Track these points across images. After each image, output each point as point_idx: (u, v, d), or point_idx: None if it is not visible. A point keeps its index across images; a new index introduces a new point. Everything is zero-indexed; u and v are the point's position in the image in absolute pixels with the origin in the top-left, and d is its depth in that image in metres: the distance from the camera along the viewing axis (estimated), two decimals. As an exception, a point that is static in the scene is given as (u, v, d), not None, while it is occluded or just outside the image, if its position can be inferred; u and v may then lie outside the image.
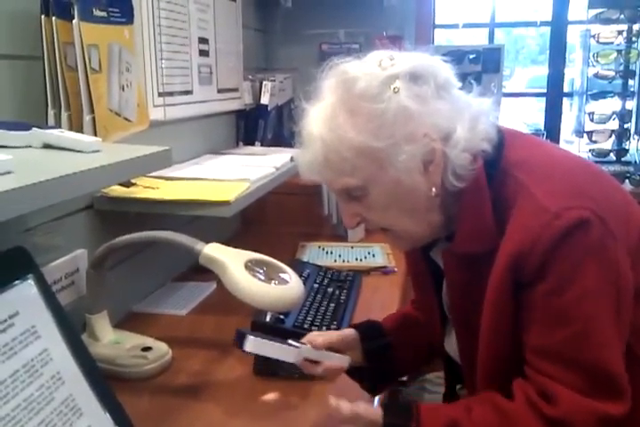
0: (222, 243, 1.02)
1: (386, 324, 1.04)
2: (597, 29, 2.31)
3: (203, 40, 1.71)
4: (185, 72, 1.60)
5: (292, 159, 1.74)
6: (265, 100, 2.10)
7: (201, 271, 1.02)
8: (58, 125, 1.03)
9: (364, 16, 2.41)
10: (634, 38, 2.30)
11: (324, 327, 1.19)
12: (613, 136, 2.37)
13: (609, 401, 0.70)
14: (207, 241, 1.01)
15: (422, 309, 1.02)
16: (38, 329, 0.72)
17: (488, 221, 0.77)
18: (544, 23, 2.52)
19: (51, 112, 1.04)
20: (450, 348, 0.94)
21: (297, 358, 0.92)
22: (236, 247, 1.02)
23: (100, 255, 1.05)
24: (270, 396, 1.00)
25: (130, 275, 1.35)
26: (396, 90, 0.75)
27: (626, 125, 2.36)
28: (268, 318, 1.16)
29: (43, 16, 1.00)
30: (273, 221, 2.17)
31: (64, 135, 0.85)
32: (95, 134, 1.05)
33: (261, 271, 1.00)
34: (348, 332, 1.00)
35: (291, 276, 1.00)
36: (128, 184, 1.22)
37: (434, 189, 0.78)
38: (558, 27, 2.48)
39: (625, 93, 2.34)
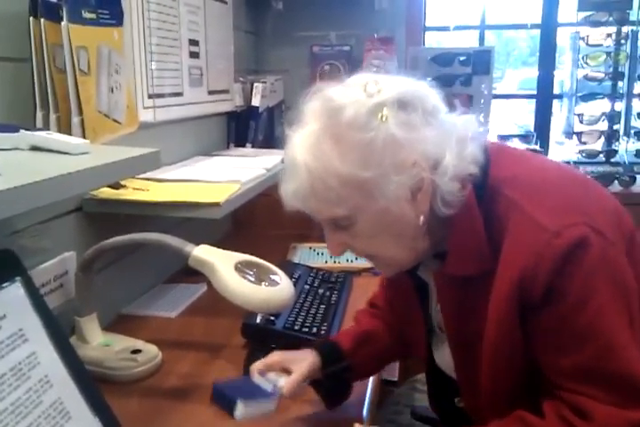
0: (213, 245, 1.01)
1: (345, 344, 0.98)
2: (587, 32, 2.32)
3: (193, 42, 1.71)
4: (175, 74, 1.60)
5: (283, 161, 1.74)
6: (256, 101, 2.10)
7: (191, 273, 1.02)
8: (46, 127, 1.03)
9: (355, 18, 2.42)
10: (622, 41, 2.32)
11: (315, 328, 1.19)
12: (603, 137, 2.38)
13: None
14: (197, 243, 1.01)
15: (405, 323, 0.99)
16: (26, 332, 0.72)
17: (481, 243, 0.76)
18: (534, 26, 2.53)
19: (39, 114, 1.03)
20: (442, 362, 0.92)
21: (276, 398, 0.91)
22: (226, 249, 1.02)
23: (88, 258, 1.05)
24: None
25: (119, 277, 1.34)
26: (384, 118, 0.73)
27: (615, 127, 2.38)
28: (258, 320, 1.17)
29: (31, 18, 1.00)
30: (264, 222, 2.17)
31: (51, 137, 0.85)
32: (84, 136, 1.05)
33: (251, 273, 1.00)
34: (309, 363, 0.93)
35: (281, 277, 1.00)
36: (117, 186, 1.22)
37: (422, 218, 0.76)
38: (548, 29, 2.49)
39: (614, 95, 2.36)
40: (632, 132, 2.36)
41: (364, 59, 2.41)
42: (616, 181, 2.15)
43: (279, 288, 0.97)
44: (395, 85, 0.76)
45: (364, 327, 1.03)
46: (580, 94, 2.35)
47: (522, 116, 3.23)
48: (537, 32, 2.54)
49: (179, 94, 1.61)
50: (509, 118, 3.10)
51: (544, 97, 2.55)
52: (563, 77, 2.51)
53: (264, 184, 1.51)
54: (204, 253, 0.99)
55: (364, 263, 1.65)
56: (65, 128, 1.05)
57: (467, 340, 0.81)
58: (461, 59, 2.26)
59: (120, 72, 1.22)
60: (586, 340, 0.70)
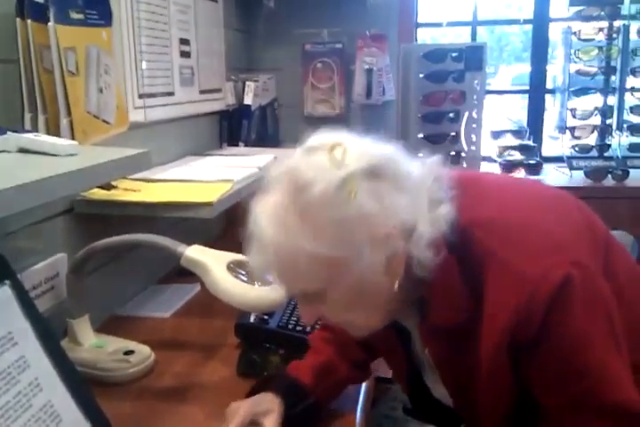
0: (206, 245, 1.01)
1: (306, 378, 0.94)
2: (578, 26, 2.33)
3: (184, 41, 1.70)
4: (166, 73, 1.59)
5: (275, 159, 1.74)
6: (248, 100, 2.10)
7: (184, 273, 1.02)
8: (35, 129, 1.02)
9: (348, 15, 2.42)
10: (614, 35, 2.32)
11: (308, 327, 1.19)
12: (595, 132, 2.39)
13: None
14: (190, 243, 1.00)
15: (388, 361, 0.98)
16: (15, 336, 0.72)
17: (460, 293, 0.75)
18: (526, 21, 2.53)
19: (27, 116, 1.03)
20: (440, 395, 0.91)
21: None
22: (220, 249, 1.02)
23: (79, 259, 1.04)
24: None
25: (112, 278, 1.34)
26: (354, 193, 0.68)
27: (608, 121, 2.38)
28: (252, 319, 1.16)
29: (17, 19, 0.99)
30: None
31: (39, 139, 0.85)
32: (73, 138, 1.05)
33: (244, 273, 1.00)
34: (279, 415, 0.89)
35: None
36: (108, 187, 1.21)
37: (396, 284, 0.74)
38: (540, 24, 2.49)
39: (606, 90, 2.36)
40: (625, 126, 2.37)
41: (356, 56, 2.41)
42: (609, 176, 2.16)
43: (272, 287, 0.97)
44: (363, 152, 0.72)
45: (322, 358, 0.98)
46: (572, 89, 2.35)
47: (515, 111, 3.23)
48: (529, 27, 2.54)
49: (170, 94, 1.61)
50: (503, 114, 3.10)
51: (537, 92, 2.55)
52: (555, 72, 2.51)
53: (257, 183, 1.50)
54: (196, 253, 0.99)
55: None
56: (54, 130, 1.05)
57: (461, 380, 0.81)
58: (454, 55, 2.26)
59: (109, 72, 1.21)
60: (581, 375, 0.71)
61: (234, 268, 0.99)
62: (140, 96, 1.43)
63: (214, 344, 1.20)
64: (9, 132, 0.84)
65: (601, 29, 2.32)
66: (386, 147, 0.75)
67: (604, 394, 0.70)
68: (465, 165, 2.35)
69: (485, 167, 2.38)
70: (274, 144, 2.35)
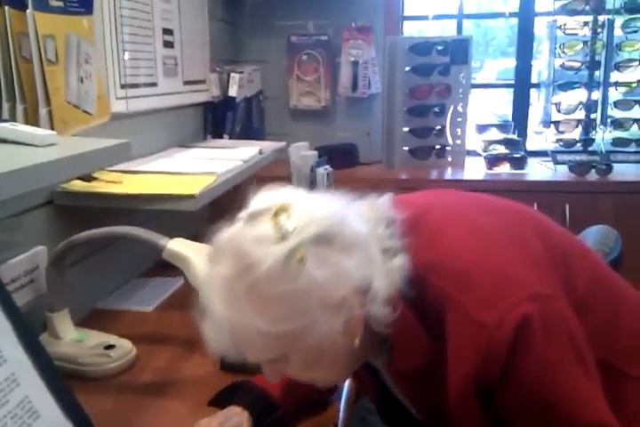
0: (190, 238, 1.00)
1: (275, 391, 0.93)
2: (564, 20, 2.33)
3: (167, 31, 1.67)
4: (149, 64, 1.57)
5: (260, 152, 1.73)
6: (233, 92, 2.08)
7: (168, 267, 1.00)
8: (13, 119, 1.00)
9: (333, 7, 2.40)
10: (599, 29, 2.33)
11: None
12: (580, 126, 2.40)
13: None
14: (173, 236, 0.99)
15: (356, 382, 0.97)
16: (-9, 330, 0.70)
17: (421, 340, 0.74)
18: (512, 14, 2.53)
19: (5, 105, 1.00)
20: (410, 407, 0.90)
21: None
22: (204, 243, 1.00)
23: (59, 252, 1.02)
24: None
25: (93, 271, 1.32)
26: (302, 262, 0.66)
27: (592, 116, 2.40)
28: (235, 313, 1.15)
29: (-6, 5, 0.97)
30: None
31: (17, 129, 0.83)
32: (52, 128, 1.03)
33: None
34: (241, 423, 0.89)
35: (257, 270, 0.98)
36: (89, 178, 1.19)
37: (356, 342, 0.72)
38: (525, 18, 2.50)
39: (591, 84, 2.37)
40: (609, 121, 2.38)
41: (342, 48, 2.39)
42: (593, 170, 2.17)
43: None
44: (309, 217, 0.69)
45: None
46: (557, 83, 2.36)
47: (500, 106, 3.24)
48: (515, 22, 2.54)
49: (153, 84, 1.59)
50: (488, 108, 3.11)
51: (522, 86, 2.55)
52: (540, 67, 2.52)
53: (241, 176, 1.49)
54: (178, 246, 0.97)
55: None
56: (33, 120, 1.03)
57: (432, 412, 0.80)
58: (439, 48, 2.26)
59: (90, 61, 1.19)
60: (554, 408, 0.70)
61: (217, 261, 0.98)
62: (123, 86, 1.41)
63: (197, 339, 1.16)
64: (-15, 122, 0.82)
65: (586, 24, 2.33)
66: (332, 204, 0.72)
67: (579, 419, 0.70)
68: (450, 159, 2.36)
69: (470, 161, 2.39)
70: (259, 136, 2.34)
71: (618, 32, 2.35)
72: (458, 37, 2.37)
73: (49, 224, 1.16)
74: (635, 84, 2.38)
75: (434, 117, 2.32)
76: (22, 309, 0.93)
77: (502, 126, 2.50)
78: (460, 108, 2.33)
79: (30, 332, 0.76)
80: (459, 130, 2.36)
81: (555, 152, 2.34)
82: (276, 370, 0.78)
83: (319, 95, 2.46)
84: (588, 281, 0.81)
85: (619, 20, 2.33)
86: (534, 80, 2.56)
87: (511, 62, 2.67)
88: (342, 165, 2.20)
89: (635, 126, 2.38)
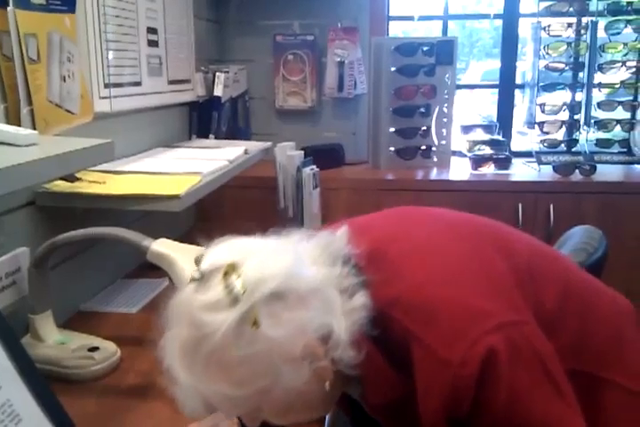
0: (175, 239, 0.99)
1: None
2: (548, 22, 2.35)
3: (151, 30, 1.66)
4: (133, 63, 1.55)
5: (246, 152, 1.72)
6: (218, 91, 2.07)
7: (152, 268, 0.99)
8: (-7, 118, 0.98)
9: (319, 7, 2.40)
10: (583, 31, 2.35)
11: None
12: (564, 127, 2.42)
13: None
14: (159, 237, 0.98)
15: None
16: (-30, 333, 0.69)
17: (391, 379, 0.75)
18: (497, 16, 2.54)
19: (-14, 104, 0.99)
20: None
21: None
22: (190, 243, 0.99)
23: (41, 253, 1.01)
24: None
25: (77, 273, 1.30)
26: (257, 325, 0.65)
27: (576, 116, 2.41)
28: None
29: (-26, 3, 0.95)
30: (228, 215, 2.14)
31: (-3, 128, 0.81)
32: (34, 127, 1.01)
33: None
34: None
35: (242, 271, 0.97)
36: (72, 179, 1.18)
37: (327, 386, 0.72)
38: (510, 19, 2.51)
39: (575, 85, 2.39)
40: (592, 121, 2.40)
41: (327, 48, 2.39)
42: (577, 171, 2.18)
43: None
44: (260, 275, 0.68)
45: None
46: (541, 84, 2.38)
47: (485, 107, 3.26)
48: (500, 23, 2.55)
49: (137, 84, 1.57)
50: (473, 109, 3.13)
51: (506, 87, 2.57)
52: (525, 69, 2.53)
53: (226, 176, 1.49)
54: (162, 247, 0.96)
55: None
56: (14, 119, 1.01)
57: None
58: (425, 49, 2.26)
59: (73, 60, 1.17)
60: None
61: (202, 262, 0.97)
62: (106, 85, 1.39)
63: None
64: (-35, 121, 0.81)
65: (570, 25, 2.35)
66: (283, 256, 0.71)
67: None
68: (435, 160, 2.36)
69: (456, 161, 2.40)
70: (245, 136, 2.33)
71: (601, 34, 2.37)
72: (443, 38, 2.37)
73: (31, 225, 1.15)
74: (618, 86, 2.40)
75: (419, 118, 2.32)
76: (4, 311, 0.91)
77: (487, 127, 2.52)
78: (445, 109, 2.34)
79: (12, 334, 0.75)
80: (444, 130, 2.37)
81: (539, 153, 2.35)
82: (253, 418, 0.77)
83: (305, 95, 2.45)
84: (557, 294, 0.81)
85: (602, 22, 2.35)
86: (519, 81, 2.57)
87: (496, 63, 2.69)
88: (328, 165, 2.20)
89: (618, 127, 2.40)
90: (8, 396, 0.70)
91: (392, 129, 2.32)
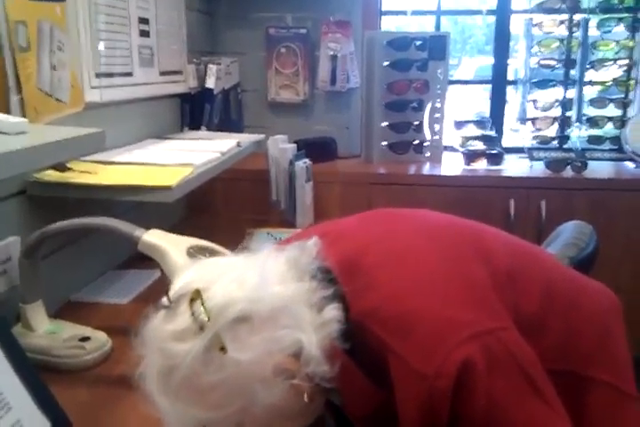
0: (166, 230, 0.98)
1: None
2: (540, 19, 2.35)
3: (143, 20, 1.65)
4: (124, 53, 1.54)
5: (238, 144, 1.71)
6: (210, 83, 2.06)
7: (144, 259, 0.99)
8: (-17, 106, 0.97)
9: (312, 0, 2.39)
10: (575, 28, 2.36)
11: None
12: (556, 123, 2.43)
13: None
14: (151, 228, 0.97)
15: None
16: (-40, 320, 0.68)
17: (368, 390, 0.75)
18: (490, 12, 2.55)
19: (-25, 92, 0.98)
20: None
21: None
22: (181, 235, 0.99)
23: (32, 243, 1.00)
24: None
25: (68, 263, 1.30)
26: (224, 350, 0.67)
27: (568, 113, 2.42)
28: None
29: (-36, -11, 0.94)
30: (220, 207, 2.14)
31: (-14, 115, 0.81)
32: (24, 116, 1.00)
33: (205, 258, 0.97)
34: None
35: (234, 262, 0.97)
36: (63, 169, 1.17)
37: (306, 398, 0.72)
38: (502, 16, 2.51)
39: (567, 82, 2.40)
40: (584, 118, 2.41)
41: (320, 42, 2.38)
42: (568, 167, 2.19)
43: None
44: (223, 300, 0.69)
45: None
46: (533, 81, 2.38)
47: (478, 102, 3.26)
48: (492, 20, 2.55)
49: (128, 74, 1.56)
50: (466, 105, 3.13)
51: (499, 83, 2.57)
52: (517, 65, 2.54)
53: (218, 168, 1.48)
54: (154, 237, 0.96)
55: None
56: (3, 107, 1.00)
57: None
58: (418, 43, 2.26)
59: (63, 49, 1.16)
60: None
61: (194, 253, 0.97)
62: (97, 75, 1.38)
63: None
64: (-46, 108, 0.80)
65: (562, 22, 2.35)
66: (249, 278, 0.71)
67: None
68: (428, 154, 2.37)
69: (448, 156, 2.40)
70: (237, 129, 2.32)
71: (593, 31, 2.37)
72: (436, 33, 2.37)
73: (22, 214, 1.14)
74: (609, 83, 2.41)
75: (412, 113, 2.32)
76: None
77: (480, 123, 2.52)
78: (437, 104, 2.34)
79: (4, 323, 0.75)
80: (437, 125, 2.37)
81: (531, 149, 2.36)
82: None
83: (298, 88, 2.45)
84: (539, 295, 0.81)
85: (594, 20, 2.36)
86: (511, 77, 2.58)
87: (488, 60, 2.69)
88: (321, 158, 2.20)
89: (609, 124, 2.41)
90: (-2, 384, 0.70)
91: (385, 123, 2.32)
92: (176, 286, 0.73)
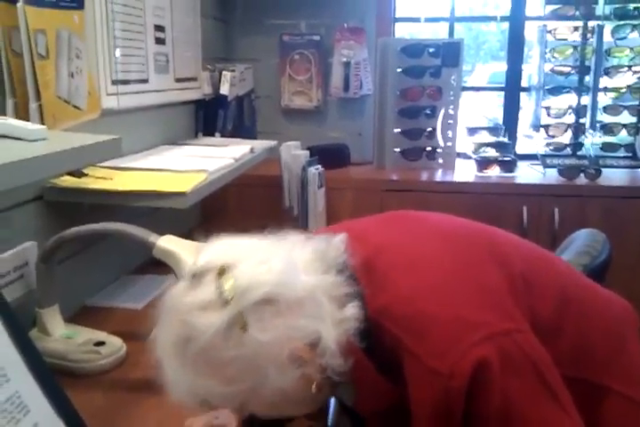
0: (181, 236, 0.99)
1: None
2: (554, 25, 2.35)
3: (159, 28, 1.67)
4: (140, 60, 1.56)
5: (252, 150, 1.73)
6: (224, 90, 2.08)
7: (158, 264, 1.00)
8: (3, 113, 0.99)
9: (325, 7, 2.40)
10: (589, 35, 2.35)
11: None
12: (569, 130, 2.42)
13: None
14: (165, 233, 0.98)
15: None
16: (-21, 325, 0.69)
17: (382, 388, 0.75)
18: (503, 18, 2.55)
19: (-4, 99, 1.00)
20: None
21: None
22: (194, 240, 1.00)
23: (49, 248, 1.02)
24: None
25: (83, 268, 1.31)
26: (245, 328, 0.67)
27: (581, 120, 2.41)
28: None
29: (-15, -2, 0.96)
30: (233, 213, 2.15)
31: (7, 123, 0.82)
32: (42, 123, 1.02)
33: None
34: (230, 422, 0.91)
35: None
36: (79, 174, 1.18)
37: (314, 389, 0.73)
38: (516, 22, 2.51)
39: (581, 89, 2.39)
40: (598, 125, 2.40)
41: (334, 49, 2.40)
42: (582, 174, 2.18)
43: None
44: (252, 281, 0.69)
45: None
46: (547, 88, 2.38)
47: (491, 109, 3.26)
48: (506, 26, 2.55)
49: (144, 81, 1.58)
50: (479, 111, 3.12)
51: (512, 90, 2.57)
52: (531, 71, 2.53)
53: (232, 174, 1.49)
54: (168, 243, 0.97)
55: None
56: (23, 114, 1.02)
57: None
58: (431, 50, 2.26)
59: (81, 57, 1.18)
60: None
61: (208, 258, 0.97)
62: (114, 82, 1.40)
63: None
64: (-24, 115, 0.81)
65: (576, 29, 2.35)
66: (277, 261, 0.71)
67: None
68: (440, 161, 2.36)
69: (461, 163, 2.40)
70: (251, 135, 2.34)
71: (607, 38, 2.37)
72: (449, 40, 2.38)
73: (38, 220, 1.16)
74: (624, 90, 2.39)
75: (425, 119, 2.33)
76: (12, 304, 0.92)
77: (493, 129, 2.51)
78: (450, 111, 2.34)
79: (20, 327, 0.76)
80: (449, 132, 2.37)
81: (544, 156, 2.35)
82: (240, 411, 0.79)
83: (311, 95, 2.46)
84: (554, 300, 0.81)
85: (608, 26, 2.35)
86: (525, 84, 2.57)
87: (502, 66, 2.69)
88: (333, 165, 2.21)
89: (623, 131, 2.40)
90: (17, 388, 0.70)
91: (397, 130, 2.32)
92: (202, 260, 0.73)
